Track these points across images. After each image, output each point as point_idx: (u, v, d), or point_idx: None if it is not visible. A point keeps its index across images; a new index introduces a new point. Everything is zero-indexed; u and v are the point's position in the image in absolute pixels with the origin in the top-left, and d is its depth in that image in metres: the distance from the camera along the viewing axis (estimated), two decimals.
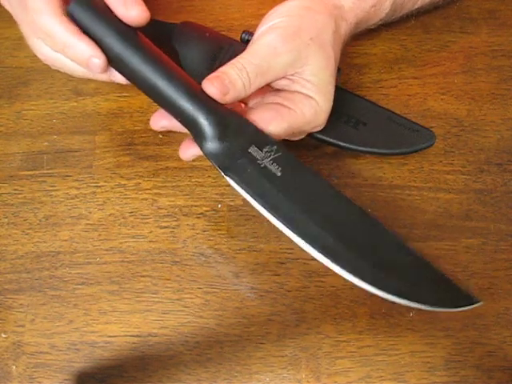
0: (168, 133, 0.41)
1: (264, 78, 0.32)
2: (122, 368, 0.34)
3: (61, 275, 0.37)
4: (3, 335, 0.35)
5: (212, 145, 0.31)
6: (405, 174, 0.39)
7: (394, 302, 0.30)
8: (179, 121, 0.32)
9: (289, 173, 0.31)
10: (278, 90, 0.34)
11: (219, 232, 0.37)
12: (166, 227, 0.38)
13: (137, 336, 0.35)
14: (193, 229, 0.38)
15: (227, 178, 0.31)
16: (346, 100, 0.39)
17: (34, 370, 0.34)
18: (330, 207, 0.31)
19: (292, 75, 0.33)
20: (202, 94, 0.31)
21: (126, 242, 0.37)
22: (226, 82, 0.31)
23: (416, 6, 0.41)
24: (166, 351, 0.34)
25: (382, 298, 0.35)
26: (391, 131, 0.38)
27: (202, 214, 0.38)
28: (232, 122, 0.32)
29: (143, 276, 0.36)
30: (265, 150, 0.31)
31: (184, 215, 0.38)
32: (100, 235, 0.38)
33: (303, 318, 0.35)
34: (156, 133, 0.41)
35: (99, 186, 0.39)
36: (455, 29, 0.44)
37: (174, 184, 0.39)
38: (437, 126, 0.40)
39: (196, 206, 0.38)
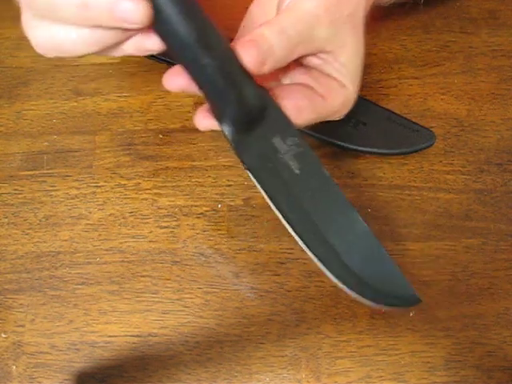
0: (168, 133, 0.41)
1: (305, 48, 0.28)
2: (122, 368, 0.34)
3: (61, 275, 0.37)
4: (3, 335, 0.35)
5: (234, 126, 0.28)
6: (405, 174, 0.39)
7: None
8: (199, 87, 0.27)
9: (306, 172, 0.29)
10: (309, 68, 0.31)
11: (219, 232, 0.37)
12: (166, 227, 0.38)
13: (137, 336, 0.35)
14: (193, 229, 0.38)
15: (243, 166, 0.29)
16: None
17: (34, 369, 0.34)
18: (332, 212, 0.30)
19: (327, 54, 0.29)
20: (233, 61, 0.26)
21: (125, 241, 0.37)
22: (264, 49, 0.26)
23: None
24: (166, 351, 0.34)
25: None
26: (391, 131, 0.38)
27: (202, 213, 0.38)
28: (262, 103, 0.28)
29: (143, 276, 0.36)
30: (288, 142, 0.29)
31: (184, 215, 0.38)
32: (100, 235, 0.38)
33: (303, 318, 0.35)
34: (156, 133, 0.41)
35: (99, 186, 0.39)
36: (455, 29, 0.44)
37: (174, 184, 0.39)
38: (437, 126, 0.40)
39: (196, 206, 0.38)
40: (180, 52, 0.25)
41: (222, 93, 0.26)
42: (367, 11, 0.32)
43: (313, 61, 0.30)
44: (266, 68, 0.26)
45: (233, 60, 0.26)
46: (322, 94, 0.30)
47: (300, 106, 0.29)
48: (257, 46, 0.26)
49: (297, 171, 0.29)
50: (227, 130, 0.28)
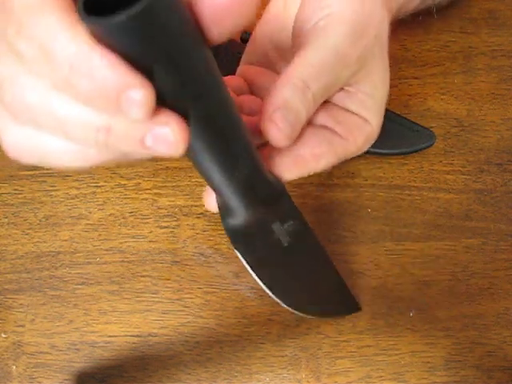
0: None
1: (327, 95, 0.25)
2: (122, 368, 0.34)
3: (61, 275, 0.37)
4: (3, 335, 0.35)
5: (237, 222, 0.26)
6: (405, 174, 0.39)
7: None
8: (205, 179, 0.24)
9: (295, 244, 0.28)
10: (326, 105, 0.27)
11: (219, 232, 0.37)
12: (165, 227, 0.38)
13: (137, 336, 0.35)
14: (193, 229, 0.38)
15: (235, 250, 0.28)
16: None
17: (34, 369, 0.34)
18: (312, 276, 0.31)
19: (350, 86, 0.26)
20: (247, 145, 0.22)
21: (125, 241, 0.37)
22: (291, 119, 0.23)
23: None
24: (166, 351, 0.34)
25: (383, 298, 0.35)
26: (391, 131, 0.38)
27: (201, 213, 0.38)
28: (272, 199, 0.26)
29: (143, 276, 0.36)
30: (286, 224, 0.27)
31: (184, 215, 0.38)
32: (100, 235, 0.38)
33: (303, 318, 0.35)
34: None
35: (99, 186, 0.39)
36: (455, 29, 0.44)
37: (174, 184, 0.39)
38: (437, 126, 0.40)
39: (196, 205, 0.38)
40: (201, 167, 0.22)
41: (233, 196, 0.24)
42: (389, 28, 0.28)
43: (332, 96, 0.27)
44: (295, 137, 0.24)
45: (254, 163, 0.23)
46: (342, 135, 0.26)
47: (317, 154, 0.26)
48: (286, 120, 0.23)
49: (286, 244, 0.28)
50: (226, 222, 0.26)
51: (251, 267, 0.28)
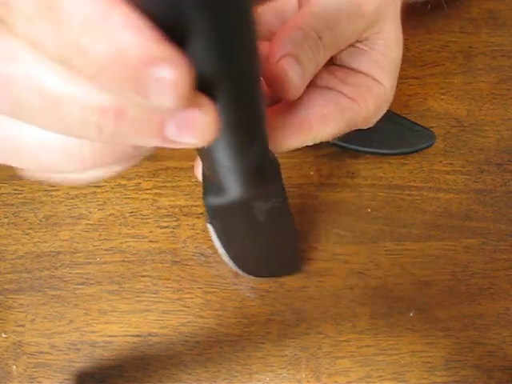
0: None
1: (338, 49, 0.23)
2: (122, 368, 0.34)
3: (61, 275, 0.37)
4: (3, 335, 0.35)
5: (222, 198, 0.23)
6: (405, 174, 0.39)
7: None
8: (201, 159, 0.22)
9: (269, 220, 0.26)
10: (334, 66, 0.25)
11: None
12: (166, 227, 0.38)
13: (137, 336, 0.35)
14: (193, 229, 0.38)
15: (208, 225, 0.27)
16: None
17: (34, 369, 0.34)
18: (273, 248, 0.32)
19: (362, 42, 0.24)
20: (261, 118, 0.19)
21: (126, 241, 0.37)
22: (299, 69, 0.21)
23: None
24: (166, 351, 0.34)
25: (383, 298, 0.35)
26: (391, 131, 0.38)
27: (202, 213, 0.38)
28: (268, 173, 0.23)
29: (143, 276, 0.36)
30: (269, 202, 0.25)
31: (184, 215, 0.38)
32: (100, 235, 0.38)
33: (303, 318, 0.35)
34: None
35: (99, 186, 0.39)
36: (455, 29, 0.44)
37: (174, 184, 0.39)
38: (437, 126, 0.40)
39: (196, 205, 0.38)
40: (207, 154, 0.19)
41: (232, 178, 0.21)
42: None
43: (342, 53, 0.24)
44: (302, 90, 0.22)
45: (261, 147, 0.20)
46: (351, 96, 0.24)
47: (325, 115, 0.23)
48: (291, 68, 0.21)
49: (260, 219, 0.26)
50: (209, 199, 0.24)
51: (221, 241, 0.28)
